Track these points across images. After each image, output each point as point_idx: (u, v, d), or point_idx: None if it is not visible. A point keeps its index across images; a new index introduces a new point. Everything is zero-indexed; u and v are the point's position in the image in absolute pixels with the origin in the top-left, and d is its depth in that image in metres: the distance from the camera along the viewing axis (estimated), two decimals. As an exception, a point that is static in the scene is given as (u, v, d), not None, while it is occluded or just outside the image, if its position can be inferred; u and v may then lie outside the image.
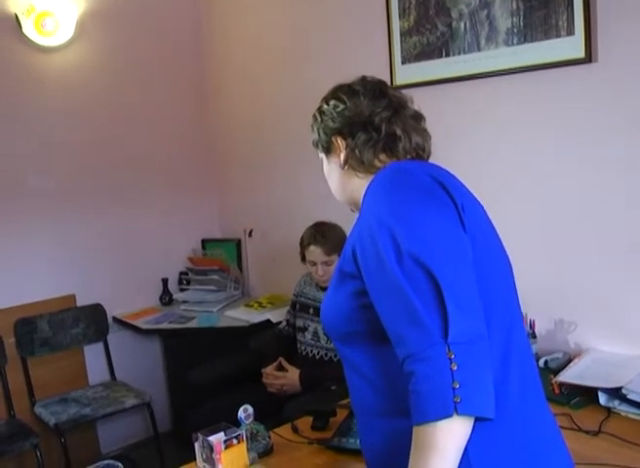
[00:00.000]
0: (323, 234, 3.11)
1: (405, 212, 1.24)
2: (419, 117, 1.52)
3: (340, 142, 1.48)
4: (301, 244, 3.17)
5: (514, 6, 2.66)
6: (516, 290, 1.40)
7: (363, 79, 1.56)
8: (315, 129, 1.56)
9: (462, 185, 1.38)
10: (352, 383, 1.43)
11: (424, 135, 1.50)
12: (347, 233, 3.17)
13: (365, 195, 1.36)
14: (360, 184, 1.45)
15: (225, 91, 4.45)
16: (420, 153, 1.47)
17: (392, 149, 1.44)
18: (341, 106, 1.49)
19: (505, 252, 1.40)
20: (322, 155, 1.58)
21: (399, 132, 1.44)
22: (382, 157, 1.44)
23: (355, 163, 1.46)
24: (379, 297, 1.23)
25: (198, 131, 4.57)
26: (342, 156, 1.48)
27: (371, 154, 1.44)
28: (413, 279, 1.16)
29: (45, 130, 3.88)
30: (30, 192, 3.84)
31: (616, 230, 2.52)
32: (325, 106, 1.54)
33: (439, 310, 1.13)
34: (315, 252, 3.09)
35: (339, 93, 1.54)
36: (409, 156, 1.45)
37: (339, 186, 1.54)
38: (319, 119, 1.55)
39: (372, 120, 1.45)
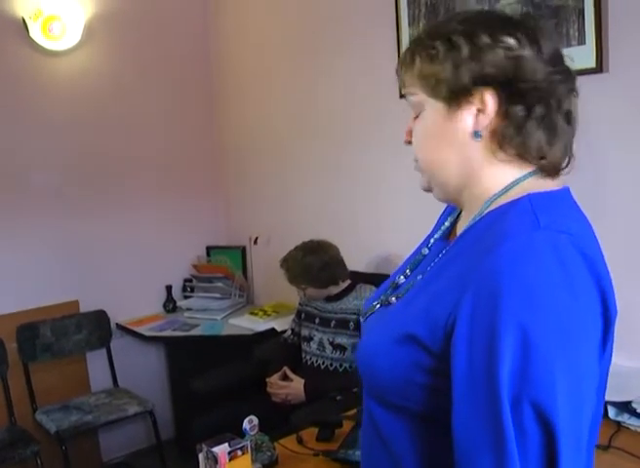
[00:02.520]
0: (288, 262, 3.20)
1: (552, 340, 0.88)
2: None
3: (489, 101, 1.01)
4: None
5: (525, 14, 2.64)
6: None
7: (537, 18, 1.07)
8: (444, 62, 1.03)
9: (606, 266, 1.02)
10: (371, 451, 1.17)
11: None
12: (351, 241, 3.18)
13: (508, 260, 0.91)
14: (490, 174, 1.05)
15: (233, 97, 4.44)
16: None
17: (558, 134, 1.03)
18: (516, 48, 1.00)
19: None
20: (429, 100, 1.07)
21: (574, 114, 1.08)
22: (544, 145, 1.02)
23: (509, 141, 1.02)
24: (462, 404, 0.93)
25: (205, 137, 4.56)
26: (485, 122, 1.02)
27: (539, 134, 1.01)
28: (522, 431, 0.88)
29: (51, 134, 3.87)
30: (34, 197, 3.83)
31: (620, 241, 2.49)
32: (484, 37, 1.01)
33: None
34: (311, 292, 3.20)
35: (508, 26, 1.02)
36: (569, 151, 1.09)
37: (445, 161, 1.08)
38: (464, 49, 1.01)
39: (553, 89, 1.02)
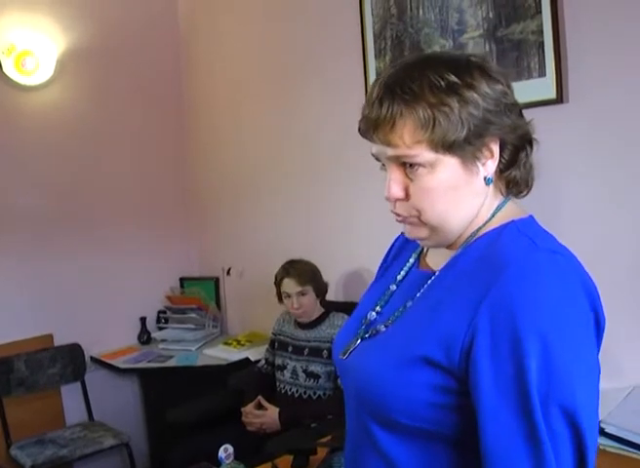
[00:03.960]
0: (294, 266, 3.18)
1: (570, 347, 0.97)
2: None
3: (494, 148, 1.07)
4: (276, 281, 3.23)
5: (487, 48, 2.72)
6: None
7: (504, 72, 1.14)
8: (454, 119, 1.02)
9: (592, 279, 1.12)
10: None
11: None
12: (322, 271, 3.22)
13: (520, 281, 0.99)
14: (486, 207, 1.13)
15: (205, 130, 4.48)
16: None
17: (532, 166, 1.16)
18: (509, 99, 1.08)
19: None
20: (437, 156, 1.05)
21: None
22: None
23: (513, 181, 1.13)
24: (494, 415, 0.97)
25: (176, 169, 4.58)
26: (493, 168, 1.09)
27: (533, 176, 1.16)
28: (553, 431, 0.94)
29: (23, 169, 3.88)
30: (4, 231, 3.83)
31: (593, 263, 2.55)
32: (485, 88, 1.04)
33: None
34: (289, 284, 3.15)
35: (498, 77, 1.08)
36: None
37: (458, 208, 1.10)
38: (473, 101, 1.03)
39: (530, 133, 1.14)
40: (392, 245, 1.41)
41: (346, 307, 3.11)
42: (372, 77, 3.19)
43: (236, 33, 4.12)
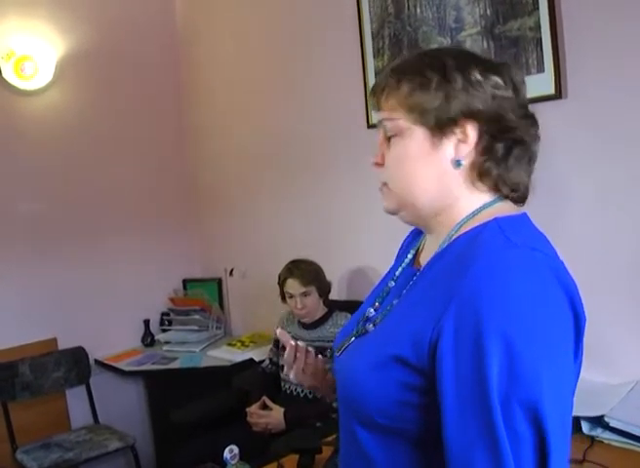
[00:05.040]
0: (298, 267, 3.19)
1: (536, 346, 0.94)
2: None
3: (471, 134, 1.08)
4: (279, 281, 3.22)
5: (485, 45, 2.73)
6: None
7: (509, 66, 1.14)
8: (435, 91, 1.08)
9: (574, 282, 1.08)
10: None
11: None
12: (324, 270, 3.23)
13: (488, 280, 0.97)
14: (464, 200, 1.12)
15: (205, 131, 4.49)
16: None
17: (524, 166, 1.14)
18: (503, 92, 1.09)
19: None
20: (412, 126, 1.11)
21: (536, 149, 1.16)
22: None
23: (488, 174, 1.10)
24: (454, 414, 0.96)
25: (178, 171, 4.59)
26: (464, 152, 1.09)
27: (517, 171, 1.12)
28: (513, 429, 0.92)
29: (25, 174, 3.89)
30: (9, 236, 3.84)
31: (593, 258, 2.56)
32: (476, 74, 1.08)
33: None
34: (293, 284, 3.15)
35: (496, 69, 1.10)
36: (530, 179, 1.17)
37: (423, 185, 1.12)
38: (458, 82, 1.07)
39: (528, 129, 1.13)
40: (402, 243, 1.42)
41: (350, 306, 3.11)
42: (370, 76, 3.19)
43: (234, 32, 4.12)
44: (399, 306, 1.15)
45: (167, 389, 4.04)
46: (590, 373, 2.56)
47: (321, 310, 3.21)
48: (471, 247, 1.05)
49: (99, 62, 4.16)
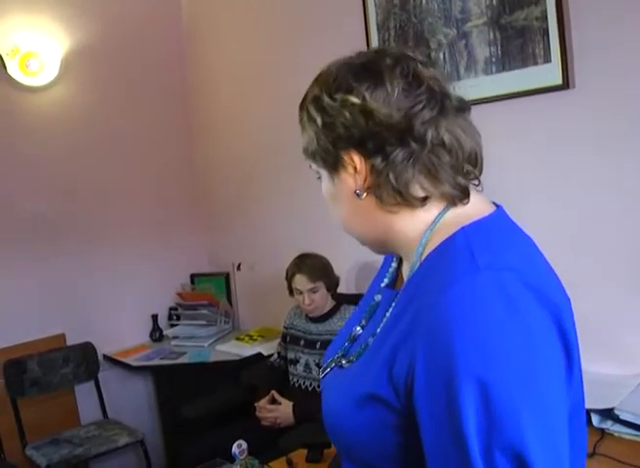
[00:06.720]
0: (306, 262, 3.18)
1: (517, 384, 0.84)
2: (465, 106, 1.04)
3: (357, 161, 0.99)
4: (287, 276, 3.22)
5: (491, 36, 2.71)
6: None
7: (380, 53, 1.04)
8: (308, 133, 1.05)
9: (556, 281, 1.02)
10: None
11: (476, 136, 1.05)
12: (334, 264, 3.22)
13: (452, 310, 0.87)
14: (398, 223, 1.03)
15: (212, 126, 4.48)
16: (472, 169, 1.02)
17: (437, 169, 0.98)
18: (359, 104, 0.97)
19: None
20: (319, 169, 1.08)
21: (448, 139, 0.98)
22: (425, 184, 0.98)
23: (385, 193, 0.99)
24: (436, 464, 0.88)
25: (186, 165, 4.59)
26: (362, 181, 1.00)
27: (410, 177, 0.97)
28: None
29: (32, 170, 3.89)
30: (16, 231, 3.84)
31: (602, 250, 2.55)
32: (327, 100, 1.01)
33: None
34: (301, 280, 3.14)
35: (350, 78, 1.00)
36: (460, 179, 0.99)
37: (352, 220, 1.07)
38: (317, 119, 1.02)
39: (411, 125, 0.96)
40: None
41: (357, 299, 3.07)
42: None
43: (239, 30, 4.11)
44: (376, 339, 1.04)
45: (175, 384, 4.05)
46: (600, 366, 2.56)
47: (329, 304, 3.21)
48: (435, 271, 0.95)
49: (104, 58, 4.16)
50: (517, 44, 2.63)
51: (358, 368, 1.05)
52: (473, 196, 1.02)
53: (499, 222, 1.03)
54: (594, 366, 2.58)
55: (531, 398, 0.84)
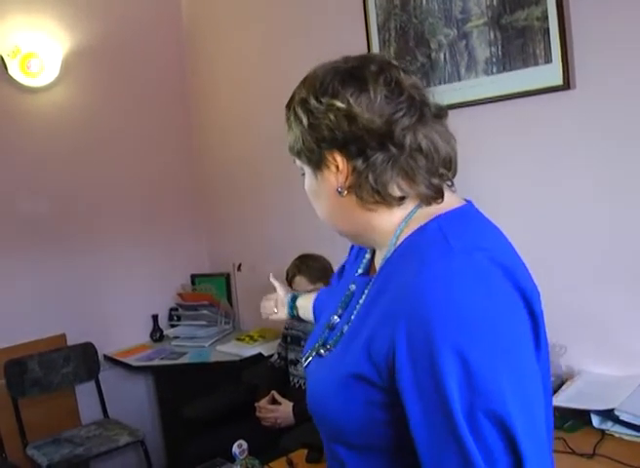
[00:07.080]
0: (306, 264, 3.18)
1: (490, 348, 0.91)
2: (442, 113, 1.12)
3: (339, 161, 1.06)
4: (287, 277, 3.21)
5: (492, 36, 2.71)
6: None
7: (365, 60, 1.09)
8: (294, 132, 1.12)
9: (525, 269, 1.07)
10: None
11: (451, 141, 1.11)
12: (334, 264, 3.22)
13: (430, 288, 0.93)
14: (376, 220, 1.09)
15: (212, 126, 4.48)
16: (446, 172, 1.08)
17: (414, 171, 1.04)
18: (344, 109, 1.03)
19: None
20: (303, 166, 1.15)
21: (425, 145, 1.04)
22: (403, 185, 1.05)
23: (365, 192, 1.05)
24: (423, 432, 0.93)
25: (185, 166, 4.59)
26: (343, 180, 1.06)
27: (389, 178, 1.04)
28: (483, 441, 0.89)
29: (33, 170, 3.89)
30: (16, 232, 3.85)
31: (601, 250, 2.55)
32: (314, 102, 1.06)
33: None
34: (301, 282, 3.14)
35: (336, 83, 1.06)
36: (435, 180, 1.05)
37: (332, 215, 1.15)
38: (303, 119, 1.08)
39: (391, 131, 1.02)
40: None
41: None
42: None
43: (240, 30, 4.11)
44: (353, 323, 1.11)
45: (176, 384, 4.05)
46: (600, 367, 2.56)
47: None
48: (411, 256, 1.02)
49: (105, 59, 4.16)
50: (518, 44, 2.63)
51: (337, 353, 1.11)
52: (445, 193, 1.09)
53: (470, 213, 1.11)
54: (595, 367, 2.59)
55: (507, 363, 0.91)
